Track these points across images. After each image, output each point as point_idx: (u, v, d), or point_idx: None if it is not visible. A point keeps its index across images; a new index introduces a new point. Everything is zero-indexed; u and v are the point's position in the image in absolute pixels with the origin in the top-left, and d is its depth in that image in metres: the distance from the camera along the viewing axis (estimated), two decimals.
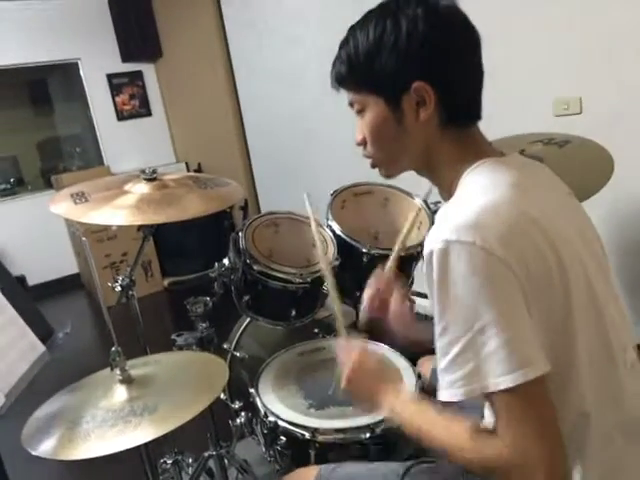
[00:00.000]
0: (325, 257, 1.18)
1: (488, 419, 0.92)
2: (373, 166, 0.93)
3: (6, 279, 1.05)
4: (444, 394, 0.75)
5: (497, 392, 0.70)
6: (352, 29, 0.85)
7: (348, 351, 1.02)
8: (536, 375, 0.69)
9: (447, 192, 0.86)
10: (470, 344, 0.70)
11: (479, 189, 0.78)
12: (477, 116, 0.86)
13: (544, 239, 0.74)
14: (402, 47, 0.79)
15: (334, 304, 1.17)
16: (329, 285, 1.18)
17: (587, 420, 0.77)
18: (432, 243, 0.73)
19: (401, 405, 0.92)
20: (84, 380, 1.09)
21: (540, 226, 0.75)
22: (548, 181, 0.89)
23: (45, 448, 0.90)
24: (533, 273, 0.72)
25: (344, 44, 0.85)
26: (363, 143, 0.90)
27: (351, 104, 0.89)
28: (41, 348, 1.04)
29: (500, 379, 0.69)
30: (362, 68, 0.83)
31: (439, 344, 0.74)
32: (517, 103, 2.11)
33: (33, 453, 0.89)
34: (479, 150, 0.84)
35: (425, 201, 1.85)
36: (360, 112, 0.87)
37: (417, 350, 1.36)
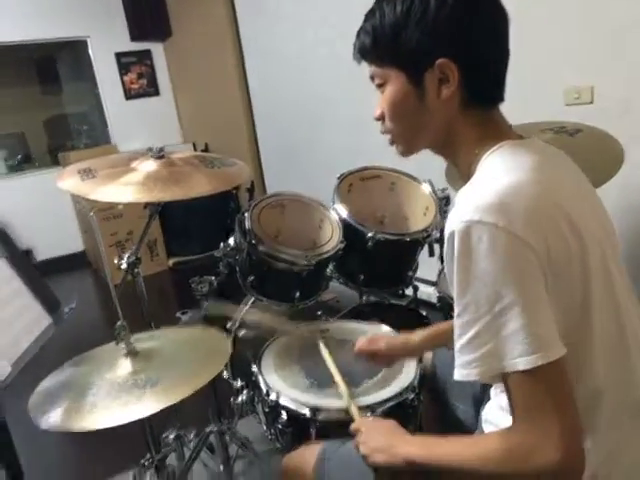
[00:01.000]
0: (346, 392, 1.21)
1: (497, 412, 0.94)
2: (391, 143, 0.92)
3: (13, 251, 1.06)
4: (459, 373, 0.75)
5: (514, 374, 0.70)
6: (379, 1, 0.83)
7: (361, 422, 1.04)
8: (555, 357, 0.69)
9: (466, 173, 0.85)
10: (489, 325, 0.71)
11: (501, 170, 0.77)
12: (500, 98, 0.84)
13: (566, 221, 0.74)
14: (429, 22, 0.77)
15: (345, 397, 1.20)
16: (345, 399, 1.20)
17: (599, 399, 0.78)
18: (454, 224, 0.72)
19: (419, 443, 0.89)
20: (90, 352, 1.11)
21: (562, 208, 0.75)
22: (567, 166, 0.89)
23: (51, 419, 0.91)
24: (554, 255, 0.72)
25: (370, 16, 0.84)
26: (381, 118, 0.89)
27: (372, 77, 0.88)
28: (47, 320, 1.05)
29: (518, 360, 0.69)
30: (386, 41, 0.82)
31: (457, 323, 0.74)
32: (528, 91, 2.09)
33: (39, 424, 0.90)
34: (500, 132, 0.83)
35: (431, 183, 1.85)
36: (381, 86, 0.86)
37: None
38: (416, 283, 1.94)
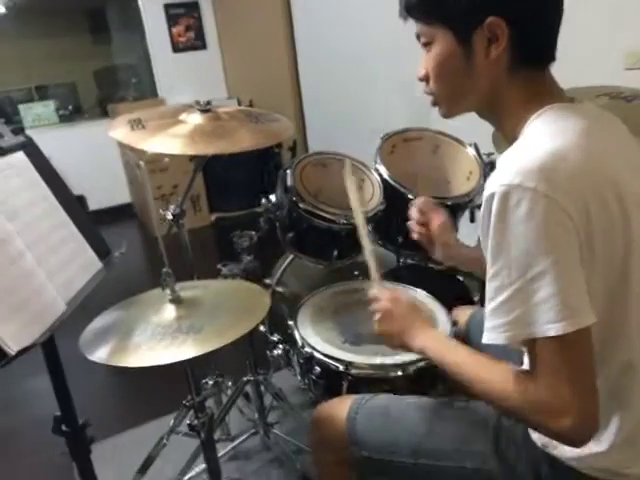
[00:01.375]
0: (360, 205, 1.19)
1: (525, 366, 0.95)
2: (434, 104, 0.90)
3: (67, 196, 1.11)
4: (488, 336, 0.76)
5: (542, 339, 0.71)
6: None
7: (380, 294, 1.06)
8: (584, 325, 0.70)
9: (511, 136, 0.83)
10: (521, 290, 0.71)
11: (546, 134, 0.75)
12: (551, 58, 0.82)
13: (611, 189, 0.73)
14: None
15: (366, 250, 1.19)
16: (361, 231, 1.19)
17: (633, 371, 0.79)
18: (493, 186, 0.71)
19: (435, 341, 0.95)
20: (137, 297, 1.16)
21: (607, 176, 0.73)
22: (619, 133, 0.86)
23: (100, 354, 0.97)
24: (595, 223, 0.71)
25: None
26: (426, 78, 0.87)
27: (418, 36, 0.85)
28: (98, 264, 1.11)
29: (549, 326, 0.69)
30: None
31: (489, 287, 0.75)
32: (585, 53, 2.00)
33: (89, 357, 0.97)
34: (549, 95, 0.81)
35: (477, 149, 1.81)
36: (427, 45, 0.84)
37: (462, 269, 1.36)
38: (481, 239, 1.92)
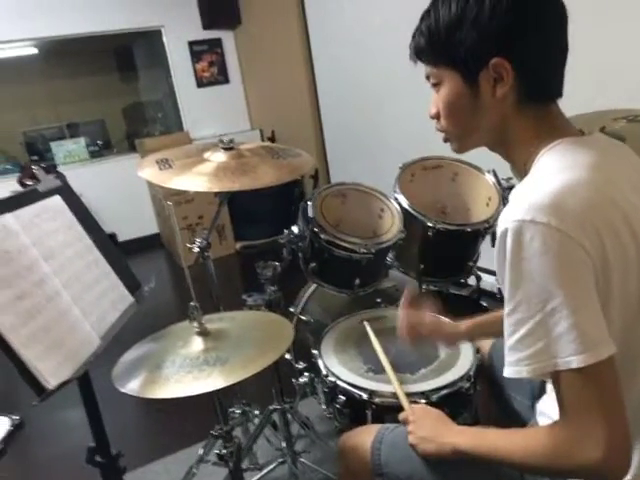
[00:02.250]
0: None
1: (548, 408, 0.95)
2: (445, 140, 0.93)
3: (100, 235, 1.16)
4: (510, 371, 0.77)
5: (564, 372, 0.71)
6: (435, 1, 0.84)
7: (409, 414, 1.07)
8: (606, 356, 0.70)
9: (521, 170, 0.85)
10: (541, 324, 0.72)
11: (556, 169, 0.77)
12: (557, 94, 0.84)
13: (622, 220, 0.74)
14: (483, 22, 0.78)
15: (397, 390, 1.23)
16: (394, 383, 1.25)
17: None
18: (506, 222, 0.73)
19: (467, 436, 0.93)
20: (166, 330, 1.20)
21: (619, 207, 0.74)
22: (629, 161, 0.87)
23: (131, 386, 1.00)
24: (611, 254, 0.72)
25: (425, 16, 0.85)
26: (437, 117, 0.90)
27: (427, 77, 0.89)
28: (130, 299, 1.16)
29: (571, 358, 0.70)
30: (441, 42, 0.82)
31: (508, 322, 0.76)
32: (600, 76, 2.01)
33: (121, 390, 1.00)
34: (557, 129, 0.83)
35: (496, 175, 1.83)
36: (436, 86, 0.88)
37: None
38: (479, 273, 1.93)
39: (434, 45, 0.84)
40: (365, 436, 1.10)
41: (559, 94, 0.84)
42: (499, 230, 0.75)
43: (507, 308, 0.76)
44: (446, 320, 1.35)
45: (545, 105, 0.84)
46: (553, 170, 0.77)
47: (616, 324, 0.74)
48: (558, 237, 0.70)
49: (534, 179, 0.79)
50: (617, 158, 0.86)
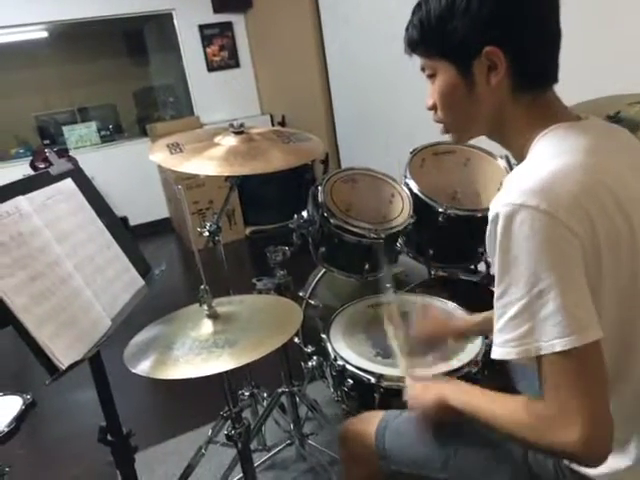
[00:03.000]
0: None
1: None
2: (444, 131, 0.94)
3: (111, 218, 1.17)
4: (497, 352, 0.77)
5: (550, 355, 0.72)
6: None
7: (411, 383, 1.09)
8: (591, 340, 0.70)
9: (519, 157, 0.85)
10: (528, 306, 0.72)
11: (549, 154, 0.77)
12: (552, 79, 0.84)
13: (615, 204, 0.74)
14: (474, 12, 0.78)
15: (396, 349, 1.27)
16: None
17: None
18: (498, 206, 0.74)
19: (458, 391, 0.94)
20: (177, 312, 1.22)
21: (611, 191, 0.74)
22: (625, 144, 0.87)
23: (142, 367, 1.02)
24: (600, 239, 0.72)
25: (417, 9, 0.86)
26: (434, 108, 0.91)
27: (423, 69, 0.90)
28: (141, 282, 1.17)
29: (555, 341, 0.71)
30: (434, 34, 0.83)
31: (497, 304, 0.77)
32: (617, 59, 1.98)
33: (133, 370, 1.02)
34: (553, 115, 0.82)
35: (508, 161, 1.82)
36: (431, 77, 0.88)
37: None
38: (489, 259, 1.92)
39: (426, 37, 0.85)
40: (369, 422, 1.11)
41: (554, 80, 0.84)
42: (491, 214, 0.75)
43: (497, 291, 0.77)
44: (459, 314, 1.35)
45: (540, 91, 0.83)
46: (546, 155, 0.78)
47: (608, 310, 0.75)
48: (547, 220, 0.70)
49: (527, 165, 0.79)
50: (614, 142, 0.85)
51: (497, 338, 0.77)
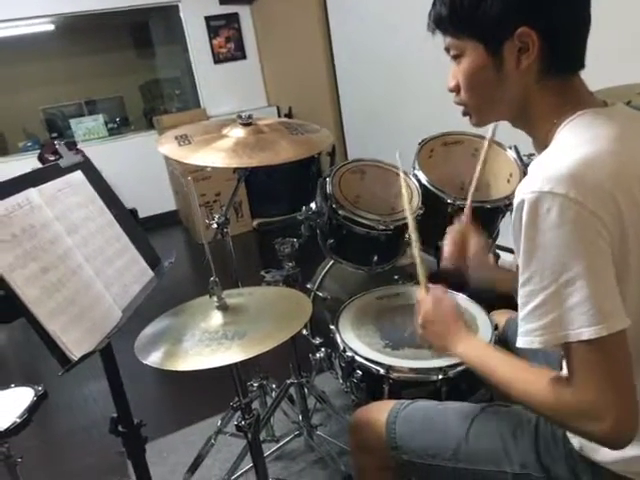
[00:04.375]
0: (409, 205, 1.20)
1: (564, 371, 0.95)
2: (465, 114, 0.91)
3: (121, 210, 1.18)
4: (522, 341, 0.77)
5: (576, 343, 0.71)
6: None
7: (425, 295, 1.08)
8: (618, 329, 0.70)
9: (542, 143, 0.84)
10: (555, 295, 0.72)
11: (577, 141, 0.76)
12: (581, 65, 0.82)
13: None
14: None
15: (415, 250, 1.21)
16: (411, 231, 1.23)
17: None
18: (524, 193, 0.73)
19: (475, 348, 0.97)
20: (187, 304, 1.22)
21: (637, 177, 0.73)
22: None
23: (153, 359, 1.03)
24: (628, 228, 0.71)
25: None
26: (456, 90, 0.88)
27: (447, 49, 0.87)
28: (150, 274, 1.18)
29: (583, 330, 0.70)
30: (465, 11, 0.80)
31: (521, 292, 0.76)
32: (628, 49, 1.96)
33: (143, 362, 1.03)
34: (579, 101, 0.81)
35: (517, 151, 1.80)
36: (457, 57, 0.85)
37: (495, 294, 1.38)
38: (497, 251, 1.92)
39: (457, 15, 0.82)
40: (380, 412, 1.11)
41: (582, 65, 0.82)
42: (516, 201, 0.75)
43: (521, 279, 0.76)
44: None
45: (568, 77, 0.82)
46: (573, 142, 0.76)
47: (633, 299, 0.74)
48: (576, 209, 0.69)
49: (554, 151, 0.78)
50: (638, 128, 0.83)
51: (522, 327, 0.77)
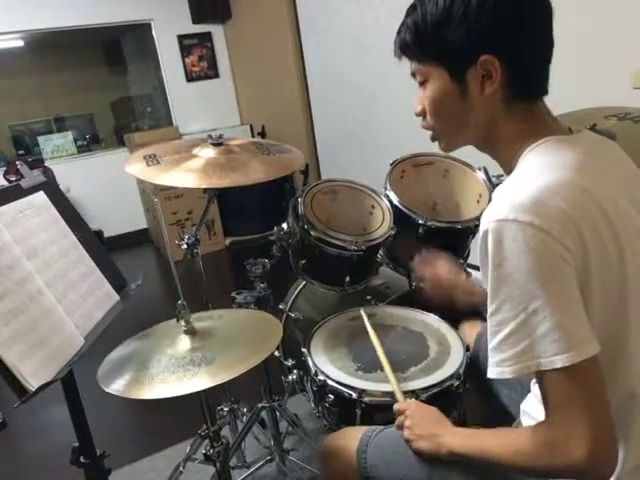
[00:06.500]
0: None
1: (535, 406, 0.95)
2: (433, 139, 0.92)
3: (86, 232, 1.14)
4: (493, 372, 0.76)
5: (549, 371, 0.71)
6: None
7: (406, 403, 1.07)
8: (590, 355, 0.70)
9: (507, 169, 0.85)
10: (524, 324, 0.71)
11: (539, 168, 0.76)
12: (544, 91, 0.83)
13: (604, 220, 0.73)
14: (472, 19, 0.76)
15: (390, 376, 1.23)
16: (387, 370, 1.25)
17: (634, 401, 0.78)
18: (488, 222, 0.73)
19: (462, 436, 0.92)
20: (153, 328, 1.19)
21: (600, 207, 0.74)
22: (615, 159, 0.87)
23: (116, 387, 0.99)
24: (591, 255, 0.72)
25: (411, 11, 0.83)
26: (423, 114, 0.89)
27: (413, 74, 0.88)
28: (116, 297, 1.14)
29: (555, 358, 0.70)
30: (428, 38, 0.81)
31: (491, 322, 0.75)
32: (592, 74, 2.01)
33: (106, 390, 0.99)
34: (543, 127, 0.82)
35: (486, 172, 1.83)
36: (423, 83, 0.86)
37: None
38: (469, 270, 1.93)
39: (421, 41, 0.83)
40: (350, 439, 1.08)
41: (545, 91, 0.84)
42: (481, 230, 0.74)
43: (490, 308, 0.75)
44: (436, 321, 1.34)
45: (533, 102, 0.83)
46: (536, 169, 0.77)
47: (597, 323, 0.74)
48: (541, 236, 0.69)
49: (517, 179, 0.78)
50: (605, 156, 0.85)
51: (493, 357, 0.76)
